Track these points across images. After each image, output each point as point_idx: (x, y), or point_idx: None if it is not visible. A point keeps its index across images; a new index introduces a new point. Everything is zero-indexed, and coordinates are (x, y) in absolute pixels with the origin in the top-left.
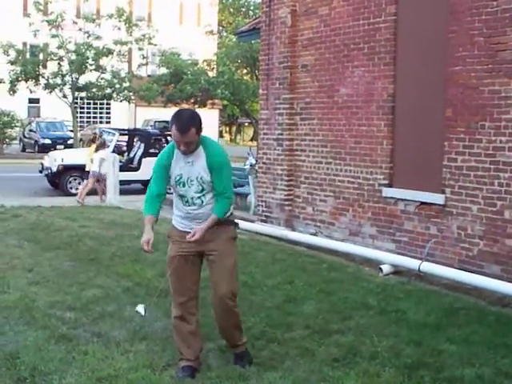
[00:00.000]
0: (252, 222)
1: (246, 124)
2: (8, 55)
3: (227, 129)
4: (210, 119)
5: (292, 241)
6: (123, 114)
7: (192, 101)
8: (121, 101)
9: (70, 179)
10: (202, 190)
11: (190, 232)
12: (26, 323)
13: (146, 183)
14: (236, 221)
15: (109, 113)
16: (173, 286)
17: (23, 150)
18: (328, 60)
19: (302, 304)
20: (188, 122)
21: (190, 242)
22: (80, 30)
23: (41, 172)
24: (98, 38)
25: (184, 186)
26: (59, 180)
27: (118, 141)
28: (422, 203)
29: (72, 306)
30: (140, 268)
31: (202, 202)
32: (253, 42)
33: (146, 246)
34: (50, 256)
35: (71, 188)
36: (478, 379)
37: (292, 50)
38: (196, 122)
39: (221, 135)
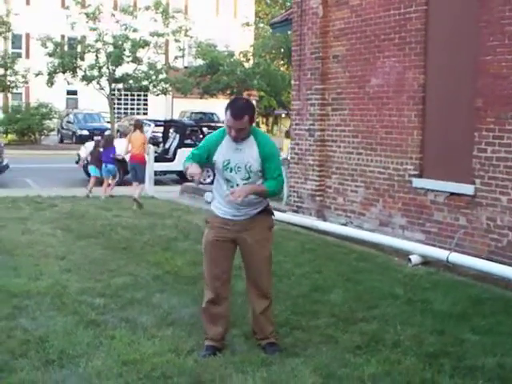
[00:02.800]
0: (284, 212)
1: (283, 115)
2: (46, 47)
3: (264, 120)
4: None
5: (322, 231)
6: (160, 106)
7: (228, 92)
8: (157, 94)
9: None
10: (248, 177)
11: (230, 219)
12: (56, 309)
13: (180, 174)
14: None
15: (146, 104)
16: (208, 270)
17: (61, 141)
18: (359, 50)
19: (329, 293)
20: (243, 109)
21: (230, 229)
22: (117, 22)
23: (77, 163)
24: (134, 30)
25: (231, 171)
26: None
27: (153, 132)
28: (452, 194)
29: (102, 293)
30: (170, 256)
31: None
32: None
33: (197, 176)
34: (83, 244)
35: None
36: (498, 368)
37: (323, 41)
38: (250, 110)
39: (257, 126)
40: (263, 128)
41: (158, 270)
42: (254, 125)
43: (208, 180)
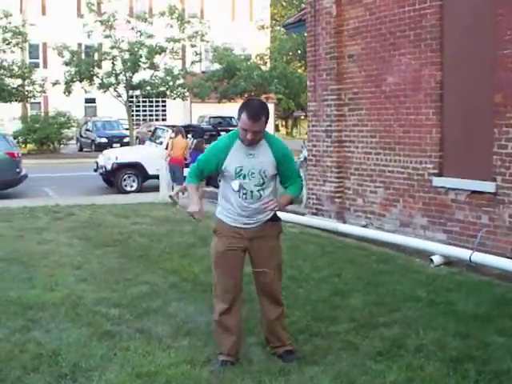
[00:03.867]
0: (303, 215)
1: (302, 117)
2: (62, 57)
3: (283, 122)
4: None
5: (342, 233)
6: (179, 111)
7: (246, 96)
8: (174, 98)
9: (125, 177)
10: (263, 183)
11: (241, 227)
12: (70, 320)
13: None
14: (278, 215)
15: (165, 110)
16: (220, 281)
17: (80, 149)
18: (374, 49)
19: (349, 297)
20: (259, 111)
21: (240, 238)
22: (132, 29)
23: (95, 171)
24: (150, 36)
25: (245, 178)
26: (114, 178)
27: (171, 137)
28: (473, 192)
29: (117, 303)
30: (188, 263)
31: (261, 195)
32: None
33: (197, 215)
34: (100, 253)
35: (125, 186)
36: None
37: (338, 40)
38: (266, 111)
39: (277, 129)
40: (283, 131)
41: (175, 277)
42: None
43: None
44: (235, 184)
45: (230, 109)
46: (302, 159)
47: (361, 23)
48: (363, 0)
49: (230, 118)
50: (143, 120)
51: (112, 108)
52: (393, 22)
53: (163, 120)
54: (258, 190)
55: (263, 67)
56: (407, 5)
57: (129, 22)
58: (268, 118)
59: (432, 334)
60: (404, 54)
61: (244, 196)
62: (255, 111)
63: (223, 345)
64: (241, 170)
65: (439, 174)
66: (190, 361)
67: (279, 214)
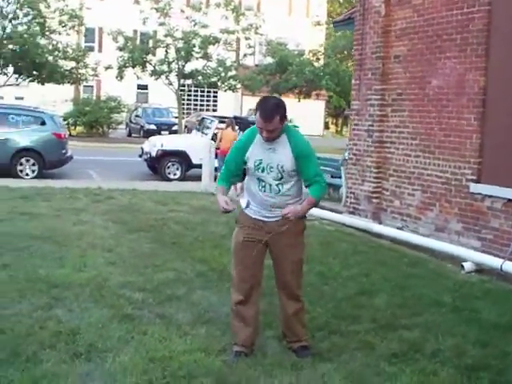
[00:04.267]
0: (340, 213)
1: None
2: (117, 42)
3: (334, 120)
4: (315, 110)
5: (377, 234)
6: (229, 103)
7: (297, 91)
8: (225, 90)
9: (169, 164)
10: (281, 178)
11: (261, 220)
12: (94, 301)
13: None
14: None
15: (215, 101)
16: (237, 272)
17: (129, 134)
18: (420, 51)
19: (374, 297)
20: (273, 110)
21: (260, 230)
22: (187, 18)
23: (140, 156)
24: (204, 26)
25: (263, 171)
26: (158, 165)
27: (217, 128)
28: (510, 200)
29: (142, 287)
30: (218, 253)
31: (279, 190)
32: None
33: (225, 205)
34: (132, 238)
35: (169, 173)
36: None
37: (385, 40)
38: (281, 110)
39: (327, 126)
40: (332, 128)
41: (204, 266)
42: (287, 123)
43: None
44: (243, 202)
45: None
46: (345, 158)
47: (408, 24)
48: (412, 1)
49: None
50: (194, 109)
51: (163, 95)
52: (440, 24)
53: (214, 110)
54: (277, 185)
55: (316, 64)
56: (455, 8)
57: (183, 11)
58: (284, 116)
59: (451, 340)
60: (449, 57)
61: (263, 189)
62: (268, 111)
63: (238, 335)
64: (260, 164)
65: (477, 181)
66: (204, 349)
67: (314, 210)
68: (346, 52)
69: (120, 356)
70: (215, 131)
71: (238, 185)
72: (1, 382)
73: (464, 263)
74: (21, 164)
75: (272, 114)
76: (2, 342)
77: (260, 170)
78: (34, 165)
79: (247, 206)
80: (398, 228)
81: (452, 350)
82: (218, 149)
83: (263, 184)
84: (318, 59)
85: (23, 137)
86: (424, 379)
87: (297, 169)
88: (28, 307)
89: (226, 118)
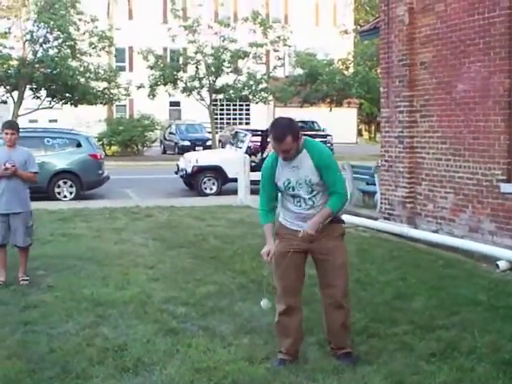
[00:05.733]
0: (376, 219)
1: None
2: (147, 60)
3: (366, 127)
4: (347, 118)
5: (412, 238)
6: (262, 115)
7: (328, 100)
8: (257, 102)
9: (205, 180)
10: (312, 191)
11: (299, 230)
12: (138, 317)
13: None
14: (342, 218)
15: (248, 114)
16: (280, 282)
17: (164, 151)
18: (445, 56)
19: (411, 300)
20: (284, 130)
21: (301, 239)
22: (216, 33)
23: (176, 173)
24: (233, 41)
25: (294, 189)
26: (194, 181)
27: (252, 141)
28: None
29: (185, 302)
30: (257, 265)
31: (314, 202)
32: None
33: (265, 256)
34: (173, 254)
35: (205, 188)
36: None
37: (410, 48)
38: (292, 129)
39: (360, 133)
40: (366, 135)
41: (244, 278)
42: (306, 138)
43: None
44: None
45: (313, 113)
46: (378, 165)
47: (432, 31)
48: (435, 8)
49: (313, 122)
50: (226, 123)
51: (196, 111)
52: (463, 30)
53: (247, 124)
54: (310, 198)
55: (345, 72)
56: (477, 13)
57: (211, 27)
58: (297, 135)
59: (487, 336)
60: (474, 61)
61: (298, 204)
62: (279, 132)
63: (282, 344)
64: (289, 183)
65: (507, 181)
66: (248, 358)
67: (350, 217)
68: (374, 59)
69: (166, 368)
70: (249, 144)
71: None
72: None
73: (498, 262)
74: (58, 186)
75: (284, 134)
76: (52, 360)
77: (291, 189)
78: (71, 186)
79: (284, 218)
80: (434, 231)
81: (488, 347)
82: None
83: (298, 199)
84: (347, 68)
85: (60, 159)
86: (461, 375)
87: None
88: (75, 326)
89: (259, 130)
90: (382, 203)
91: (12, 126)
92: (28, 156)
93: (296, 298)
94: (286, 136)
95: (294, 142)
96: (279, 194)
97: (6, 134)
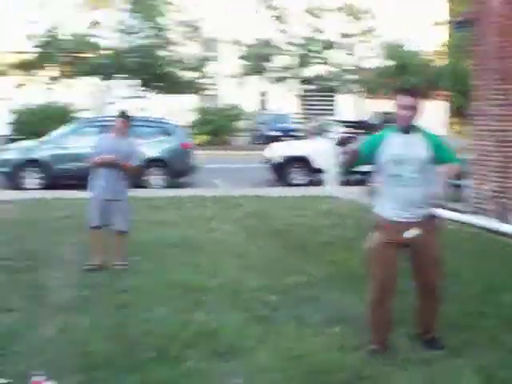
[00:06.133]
0: (465, 213)
1: None
2: (236, 50)
3: (456, 120)
4: (437, 110)
5: (503, 233)
6: (349, 106)
7: None
8: (345, 94)
9: (292, 170)
10: (418, 169)
11: (399, 221)
12: (230, 304)
13: (364, 174)
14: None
15: (336, 105)
16: (376, 273)
17: (252, 141)
18: None
19: (501, 294)
20: (412, 88)
21: (399, 232)
22: (306, 24)
23: (264, 163)
24: (322, 32)
25: (402, 165)
26: (281, 171)
27: (343, 132)
28: None
29: (275, 290)
30: (347, 256)
31: (417, 182)
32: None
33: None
34: (262, 243)
35: (293, 179)
36: None
37: (505, 40)
38: (419, 90)
39: (450, 126)
40: (456, 128)
41: (333, 269)
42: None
43: None
44: (379, 205)
45: None
46: (467, 158)
47: None
48: None
49: None
50: (314, 114)
51: (284, 102)
52: None
53: (334, 115)
54: (415, 178)
55: (436, 64)
56: None
57: (301, 18)
58: (422, 98)
59: None
60: None
61: (403, 183)
62: (405, 88)
63: (374, 334)
64: (397, 157)
65: None
66: (339, 347)
67: (439, 210)
68: (466, 51)
69: (258, 355)
70: (339, 135)
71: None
72: (154, 377)
73: None
74: (149, 174)
75: (410, 90)
76: (147, 342)
77: (399, 165)
78: (162, 175)
79: (383, 208)
80: None
81: None
82: None
83: (402, 179)
84: (438, 59)
85: (151, 148)
86: None
87: (432, 159)
88: (170, 310)
89: (347, 122)
90: (472, 197)
91: (125, 116)
92: (133, 148)
93: (391, 289)
94: (413, 92)
95: (417, 100)
96: (380, 182)
97: (119, 123)
